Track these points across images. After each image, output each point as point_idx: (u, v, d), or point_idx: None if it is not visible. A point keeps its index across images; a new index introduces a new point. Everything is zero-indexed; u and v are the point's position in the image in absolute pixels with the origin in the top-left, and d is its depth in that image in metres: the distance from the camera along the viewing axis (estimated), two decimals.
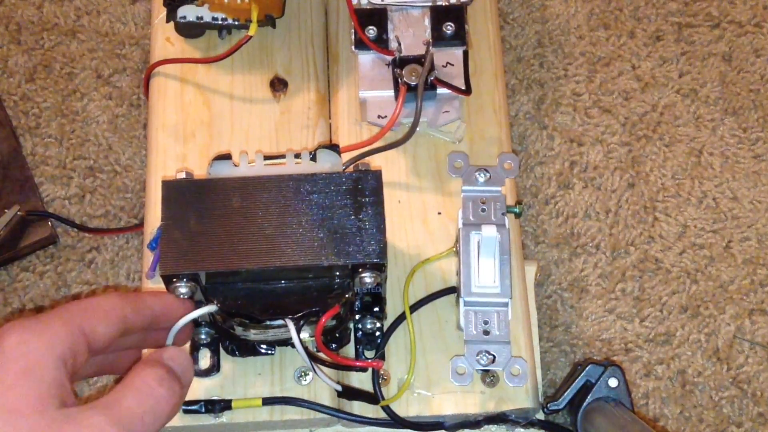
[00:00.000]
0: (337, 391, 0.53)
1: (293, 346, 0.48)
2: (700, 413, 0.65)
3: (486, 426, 0.55)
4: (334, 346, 0.53)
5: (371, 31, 0.60)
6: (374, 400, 0.54)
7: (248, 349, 0.54)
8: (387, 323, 0.55)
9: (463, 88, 0.59)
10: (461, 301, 0.53)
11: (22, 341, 0.38)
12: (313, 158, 0.51)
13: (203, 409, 0.53)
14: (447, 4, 0.61)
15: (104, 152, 0.73)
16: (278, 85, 0.63)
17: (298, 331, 0.47)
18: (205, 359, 0.54)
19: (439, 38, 0.60)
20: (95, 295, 0.44)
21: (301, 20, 0.66)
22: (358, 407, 0.55)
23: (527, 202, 0.70)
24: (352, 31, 0.60)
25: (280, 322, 0.48)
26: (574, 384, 0.57)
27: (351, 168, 0.53)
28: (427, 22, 0.61)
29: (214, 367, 0.54)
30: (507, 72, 0.74)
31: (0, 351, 0.38)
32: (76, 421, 0.36)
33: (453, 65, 0.60)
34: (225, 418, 0.53)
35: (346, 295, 0.49)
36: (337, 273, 0.49)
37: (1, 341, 0.38)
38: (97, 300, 0.42)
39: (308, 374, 0.55)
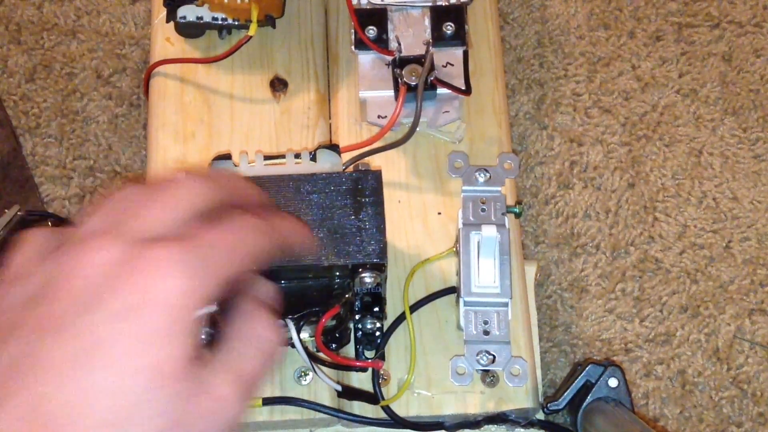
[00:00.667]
0: (337, 391, 0.53)
1: (293, 346, 0.48)
2: (700, 413, 0.65)
3: (486, 426, 0.55)
4: (334, 346, 0.53)
5: (371, 31, 0.60)
6: (374, 400, 0.54)
7: None
8: (387, 323, 0.55)
9: (463, 88, 0.59)
10: (461, 301, 0.53)
11: (176, 289, 0.32)
12: (313, 158, 0.51)
13: None
14: (447, 4, 0.60)
15: (104, 152, 0.73)
16: (278, 85, 0.63)
17: (298, 331, 0.47)
18: None
19: (439, 38, 0.60)
20: (232, 220, 0.37)
21: (301, 20, 0.66)
22: (358, 407, 0.55)
23: (527, 202, 0.70)
24: (352, 31, 0.60)
25: (280, 322, 0.48)
26: (574, 384, 0.57)
27: (351, 168, 0.53)
28: (427, 22, 0.61)
29: None
30: (507, 72, 0.74)
31: (148, 293, 0.32)
32: (210, 389, 0.33)
33: (453, 65, 0.60)
34: None
35: (346, 295, 0.49)
36: (337, 273, 0.49)
37: (150, 280, 0.32)
38: (244, 239, 0.36)
39: (308, 374, 0.55)
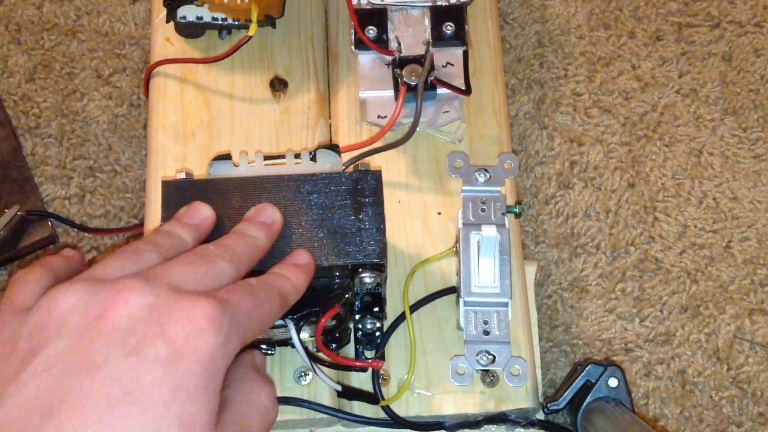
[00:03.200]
0: (337, 391, 0.53)
1: (293, 346, 0.48)
2: (700, 413, 0.65)
3: (486, 426, 0.55)
4: (334, 346, 0.53)
5: (371, 31, 0.60)
6: (374, 400, 0.54)
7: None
8: (387, 323, 0.55)
9: (463, 88, 0.59)
10: (461, 301, 0.53)
11: (212, 345, 0.33)
12: (313, 158, 0.51)
13: None
14: (447, 4, 0.60)
15: (104, 152, 0.73)
16: (278, 85, 0.63)
17: (298, 331, 0.47)
18: None
19: (439, 38, 0.60)
20: (253, 288, 0.39)
21: (301, 20, 0.66)
22: (358, 407, 0.55)
23: (527, 202, 0.70)
24: (352, 31, 0.60)
25: (280, 322, 0.48)
26: (574, 384, 0.57)
27: (351, 168, 0.53)
28: (427, 22, 0.61)
29: None
30: (507, 72, 0.74)
31: (187, 345, 0.33)
32: None
33: (453, 65, 0.60)
34: None
35: (346, 295, 0.49)
36: (337, 273, 0.49)
37: (189, 332, 0.33)
38: (262, 310, 0.39)
39: (308, 374, 0.55)
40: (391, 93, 0.60)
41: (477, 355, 0.53)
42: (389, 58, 0.60)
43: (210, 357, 0.33)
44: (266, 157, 0.51)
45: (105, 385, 0.32)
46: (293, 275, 0.43)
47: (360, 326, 0.55)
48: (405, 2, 0.60)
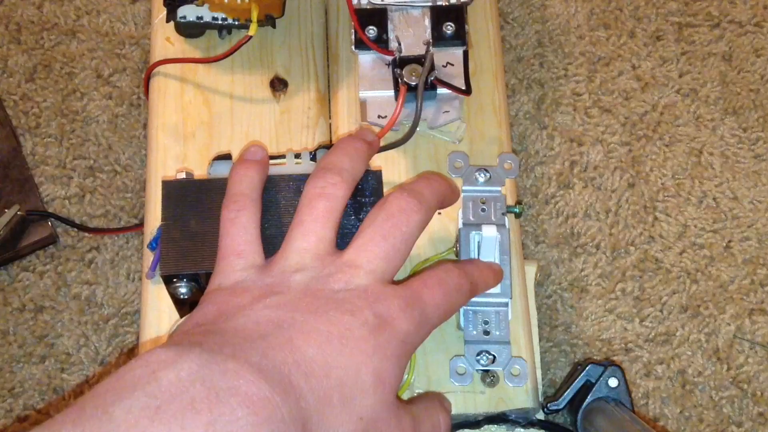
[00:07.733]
0: None
1: None
2: (700, 413, 0.65)
3: (486, 426, 0.55)
4: None
5: (371, 31, 0.60)
6: None
7: None
8: None
9: (463, 88, 0.59)
10: None
11: (411, 333, 0.42)
12: (313, 158, 0.51)
13: None
14: (447, 4, 0.60)
15: (104, 152, 0.73)
16: (278, 85, 0.63)
17: None
18: None
19: (439, 38, 0.60)
20: None
21: (301, 20, 0.66)
22: None
23: (527, 202, 0.70)
24: (352, 31, 0.60)
25: None
26: (574, 384, 0.57)
27: None
28: (427, 22, 0.61)
29: None
30: (507, 72, 0.74)
31: (390, 325, 0.41)
32: None
33: (453, 65, 0.60)
34: None
35: None
36: None
37: (398, 319, 0.41)
38: (450, 300, 0.46)
39: None
40: (391, 93, 0.60)
41: (477, 355, 0.53)
42: (389, 58, 0.60)
43: (404, 336, 0.41)
44: None
45: (325, 325, 0.39)
46: (486, 270, 0.50)
47: None
48: (405, 2, 0.60)
